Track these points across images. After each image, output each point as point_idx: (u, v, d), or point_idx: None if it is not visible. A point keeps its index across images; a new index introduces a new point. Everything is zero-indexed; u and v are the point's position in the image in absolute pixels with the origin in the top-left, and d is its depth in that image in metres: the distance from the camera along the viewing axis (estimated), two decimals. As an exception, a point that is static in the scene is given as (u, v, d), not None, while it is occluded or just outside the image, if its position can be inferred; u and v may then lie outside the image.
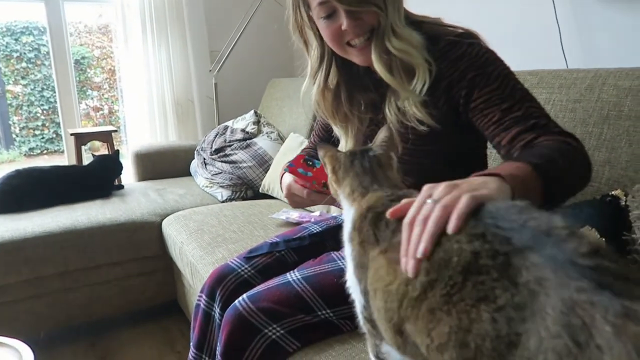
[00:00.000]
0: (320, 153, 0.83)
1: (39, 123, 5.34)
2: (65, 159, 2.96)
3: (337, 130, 1.14)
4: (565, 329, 0.40)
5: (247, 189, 2.30)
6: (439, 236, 0.54)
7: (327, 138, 1.32)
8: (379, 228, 0.65)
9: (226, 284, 1.15)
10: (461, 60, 0.96)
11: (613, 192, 0.98)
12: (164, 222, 2.00)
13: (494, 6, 1.85)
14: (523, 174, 0.72)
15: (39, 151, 5.38)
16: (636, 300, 0.40)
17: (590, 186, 1.15)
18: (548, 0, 1.61)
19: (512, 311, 0.44)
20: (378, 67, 0.98)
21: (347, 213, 0.75)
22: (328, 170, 0.81)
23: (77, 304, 1.94)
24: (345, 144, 1.12)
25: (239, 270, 1.18)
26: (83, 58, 5.30)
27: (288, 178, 1.10)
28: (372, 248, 0.65)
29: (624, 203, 0.95)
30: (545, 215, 0.50)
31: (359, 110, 1.09)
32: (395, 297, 0.58)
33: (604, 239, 0.89)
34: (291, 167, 1.00)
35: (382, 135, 0.82)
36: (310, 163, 0.98)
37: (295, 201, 1.10)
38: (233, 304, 1.03)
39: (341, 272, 1.02)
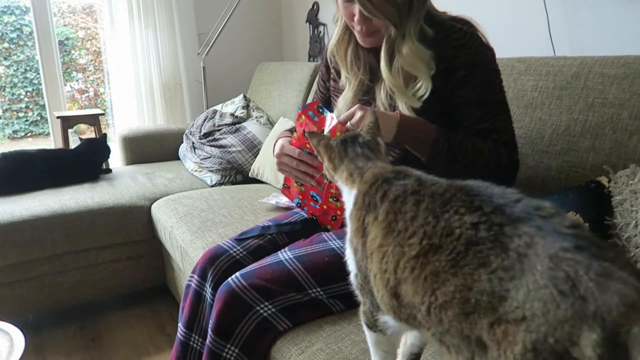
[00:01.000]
0: (314, 142, 0.86)
1: (23, 105, 5.24)
2: (50, 142, 2.92)
3: (344, 80, 1.19)
4: (551, 281, 0.47)
5: (236, 173, 2.30)
6: (440, 208, 0.61)
7: (328, 96, 1.36)
8: (373, 196, 0.71)
9: (218, 264, 1.17)
10: (461, 51, 1.03)
11: (597, 179, 1.01)
12: (153, 206, 2.00)
13: (484, -8, 1.86)
14: (422, 123, 1.01)
15: (23, 134, 5.29)
16: (609, 261, 0.47)
17: (575, 172, 1.18)
18: (537, -12, 1.62)
19: (502, 272, 0.52)
20: (384, 70, 1.06)
21: (348, 197, 0.78)
22: (324, 159, 0.84)
23: (65, 287, 1.94)
24: (344, 95, 1.17)
25: (231, 251, 1.20)
26: (67, 39, 5.19)
27: (283, 140, 1.14)
28: (368, 215, 0.70)
29: (607, 189, 0.98)
30: (534, 199, 0.58)
31: (359, 68, 1.15)
32: (391, 258, 0.63)
33: (587, 224, 0.92)
34: (304, 109, 1.04)
35: (368, 120, 0.86)
36: (321, 110, 1.03)
37: (283, 163, 1.10)
38: (226, 281, 1.05)
39: (332, 251, 1.06)
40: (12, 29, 5.03)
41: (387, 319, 0.71)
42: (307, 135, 0.88)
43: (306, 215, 1.28)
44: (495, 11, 1.83)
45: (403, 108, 1.06)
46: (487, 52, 1.05)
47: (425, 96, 1.03)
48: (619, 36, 1.49)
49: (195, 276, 1.19)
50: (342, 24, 1.15)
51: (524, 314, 0.48)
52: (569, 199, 1.00)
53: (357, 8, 1.01)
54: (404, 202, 0.66)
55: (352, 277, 0.78)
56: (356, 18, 1.03)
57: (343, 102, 1.17)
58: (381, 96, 1.09)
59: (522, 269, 0.50)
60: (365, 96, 1.15)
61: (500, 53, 1.51)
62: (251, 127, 2.40)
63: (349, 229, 0.76)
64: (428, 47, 1.04)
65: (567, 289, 0.46)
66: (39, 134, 5.29)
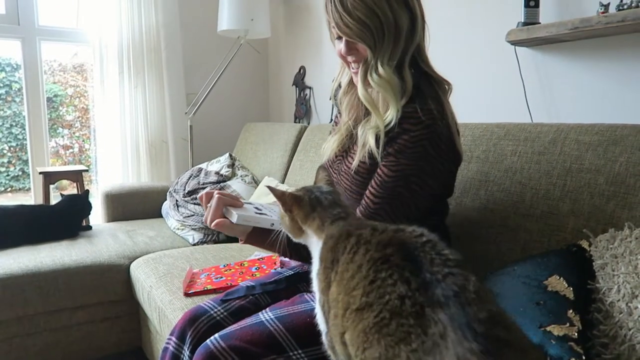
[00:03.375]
0: (277, 194, 0.88)
1: (5, 160, 5.20)
2: (31, 197, 2.88)
3: (341, 124, 1.24)
4: None
5: (219, 232, 2.27)
6: (380, 263, 0.66)
7: None
8: (337, 252, 0.75)
9: (198, 325, 1.14)
10: (405, 134, 1.05)
11: (579, 242, 1.02)
12: (132, 265, 1.95)
13: (465, 63, 1.95)
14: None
15: (2, 189, 5.21)
16: None
17: (556, 235, 1.19)
18: (513, 59, 1.71)
19: (422, 354, 0.57)
20: (360, 92, 1.11)
21: (316, 247, 0.81)
22: (292, 208, 0.86)
23: (35, 350, 1.84)
24: (330, 139, 1.24)
25: (212, 312, 1.17)
26: (55, 96, 5.25)
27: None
28: (332, 272, 0.74)
29: (588, 253, 0.99)
30: (463, 275, 0.62)
31: (350, 115, 1.20)
32: (341, 305, 0.68)
33: (571, 289, 0.92)
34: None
35: (320, 175, 0.93)
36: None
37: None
38: (204, 342, 1.02)
39: (314, 312, 1.03)
40: (1, 85, 5.08)
41: None
42: (270, 190, 0.90)
43: (289, 274, 1.26)
44: (476, 80, 1.91)
45: (369, 140, 1.09)
46: (428, 149, 1.04)
47: (393, 121, 1.06)
48: (591, 104, 1.57)
49: (174, 338, 1.15)
50: (342, 75, 1.23)
51: None
52: (551, 262, 1.01)
53: (343, 42, 1.09)
54: (357, 252, 0.71)
55: (323, 337, 0.79)
56: (342, 49, 1.10)
57: (327, 145, 1.24)
58: (358, 135, 1.15)
59: (435, 357, 0.56)
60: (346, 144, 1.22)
61: (480, 119, 1.57)
62: (236, 185, 2.40)
63: (316, 288, 0.79)
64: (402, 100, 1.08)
65: None
66: (19, 189, 5.21)
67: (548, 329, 0.86)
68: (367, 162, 1.11)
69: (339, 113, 1.31)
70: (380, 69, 1.07)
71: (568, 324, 0.88)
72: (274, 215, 1.08)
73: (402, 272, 0.64)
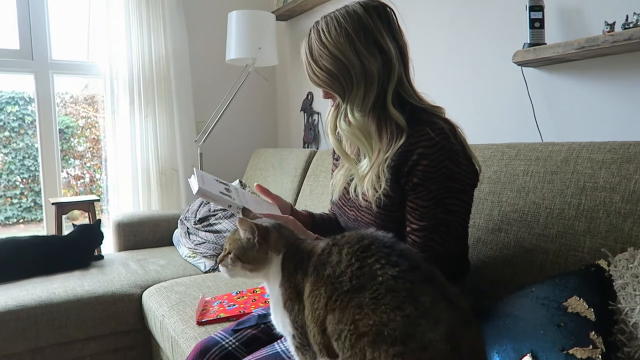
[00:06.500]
0: (246, 226, 0.90)
1: (18, 192, 5.25)
2: (42, 227, 2.89)
3: (340, 161, 1.23)
4: (447, 337, 0.70)
5: (230, 258, 2.27)
6: (360, 252, 0.78)
7: None
8: (300, 255, 0.86)
9: (209, 357, 1.12)
10: (424, 159, 1.01)
11: (597, 262, 1.00)
12: (144, 294, 1.94)
13: (473, 85, 1.96)
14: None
15: (14, 220, 5.25)
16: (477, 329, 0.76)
17: (573, 255, 1.18)
18: (521, 80, 1.71)
19: (415, 318, 0.71)
20: (331, 141, 1.13)
21: (276, 266, 0.87)
22: (264, 235, 0.88)
23: (46, 383, 1.83)
24: (336, 173, 1.23)
25: (223, 342, 1.15)
26: (67, 127, 5.34)
27: None
28: (297, 274, 0.83)
29: (607, 273, 0.97)
30: (429, 265, 0.80)
31: (353, 150, 1.18)
32: (324, 295, 0.77)
33: (592, 310, 0.90)
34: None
35: (251, 215, 1.03)
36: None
37: None
38: None
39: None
40: (15, 118, 5.18)
41: None
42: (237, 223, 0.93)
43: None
44: (483, 100, 1.92)
45: (359, 183, 1.09)
46: (451, 168, 1.01)
47: (367, 170, 1.06)
48: (600, 122, 1.56)
49: (186, 370, 1.14)
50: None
51: (428, 356, 0.68)
52: (570, 283, 0.98)
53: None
54: (329, 253, 0.81)
55: (289, 341, 0.84)
56: (321, 94, 1.12)
57: (334, 181, 1.22)
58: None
59: (427, 321, 0.70)
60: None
61: (490, 139, 1.57)
62: (246, 212, 2.40)
63: (281, 297, 0.84)
64: (398, 139, 1.04)
65: (455, 346, 0.69)
66: (31, 221, 5.25)
67: (571, 351, 0.84)
68: (392, 195, 1.06)
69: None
70: (350, 115, 1.06)
71: (591, 346, 0.86)
72: (240, 200, 1.13)
73: (388, 257, 0.76)
